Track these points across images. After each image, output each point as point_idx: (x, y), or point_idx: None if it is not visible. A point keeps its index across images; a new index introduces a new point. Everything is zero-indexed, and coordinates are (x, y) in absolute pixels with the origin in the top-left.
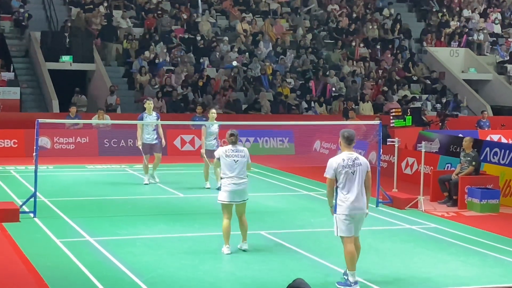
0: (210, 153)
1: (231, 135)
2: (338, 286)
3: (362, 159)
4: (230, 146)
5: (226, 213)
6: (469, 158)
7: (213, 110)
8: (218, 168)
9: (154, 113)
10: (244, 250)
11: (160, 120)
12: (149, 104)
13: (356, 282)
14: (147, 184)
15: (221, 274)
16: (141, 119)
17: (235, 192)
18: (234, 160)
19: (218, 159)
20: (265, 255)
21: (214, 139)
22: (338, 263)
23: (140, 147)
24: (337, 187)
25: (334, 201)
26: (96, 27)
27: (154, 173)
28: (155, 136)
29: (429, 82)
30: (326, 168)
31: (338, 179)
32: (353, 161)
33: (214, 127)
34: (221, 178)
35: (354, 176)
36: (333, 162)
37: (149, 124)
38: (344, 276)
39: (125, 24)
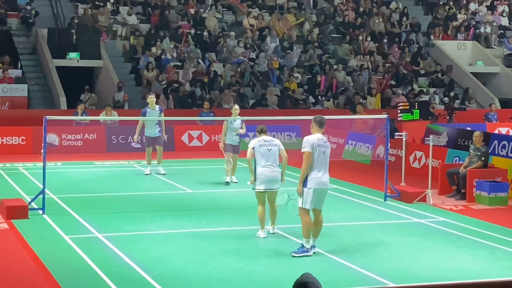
0: (231, 147)
1: (260, 127)
2: (294, 255)
3: (328, 142)
4: (262, 137)
5: (260, 201)
6: (479, 153)
7: (236, 106)
8: (250, 158)
9: (157, 107)
10: (273, 233)
11: (168, 116)
12: (151, 98)
13: (312, 247)
14: (148, 174)
15: (229, 269)
16: (144, 113)
17: (270, 180)
18: (267, 149)
19: (253, 148)
20: (273, 249)
21: (236, 135)
22: (347, 257)
23: (135, 141)
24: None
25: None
26: (103, 24)
27: (159, 166)
28: (158, 129)
29: (437, 76)
30: (302, 144)
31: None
32: (325, 142)
33: (237, 123)
34: (255, 169)
35: (324, 155)
36: (310, 139)
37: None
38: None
39: (132, 20)
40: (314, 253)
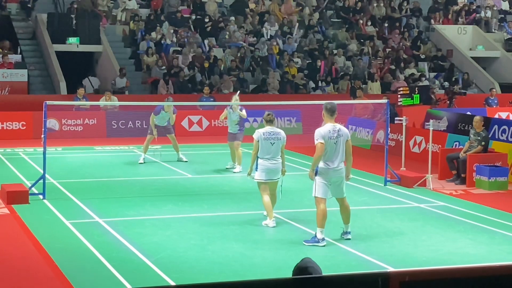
0: (232, 136)
1: (268, 114)
2: (306, 244)
3: (343, 130)
4: (268, 128)
5: (264, 190)
6: (479, 138)
7: (236, 97)
8: (255, 151)
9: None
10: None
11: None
12: (168, 107)
13: (323, 239)
14: (142, 163)
15: (230, 254)
16: (158, 110)
17: (271, 172)
18: (270, 143)
19: (258, 141)
20: (274, 234)
21: (236, 124)
22: (347, 242)
23: (155, 136)
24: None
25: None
26: (103, 9)
27: (179, 154)
28: (167, 122)
29: (437, 60)
30: (315, 137)
31: None
32: (337, 132)
33: (236, 114)
34: (258, 159)
35: (336, 146)
36: (321, 131)
37: (163, 117)
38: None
39: (131, 5)
40: (348, 238)
